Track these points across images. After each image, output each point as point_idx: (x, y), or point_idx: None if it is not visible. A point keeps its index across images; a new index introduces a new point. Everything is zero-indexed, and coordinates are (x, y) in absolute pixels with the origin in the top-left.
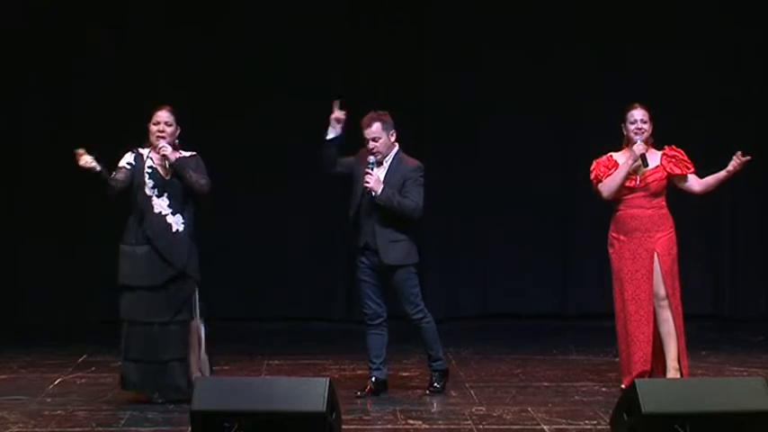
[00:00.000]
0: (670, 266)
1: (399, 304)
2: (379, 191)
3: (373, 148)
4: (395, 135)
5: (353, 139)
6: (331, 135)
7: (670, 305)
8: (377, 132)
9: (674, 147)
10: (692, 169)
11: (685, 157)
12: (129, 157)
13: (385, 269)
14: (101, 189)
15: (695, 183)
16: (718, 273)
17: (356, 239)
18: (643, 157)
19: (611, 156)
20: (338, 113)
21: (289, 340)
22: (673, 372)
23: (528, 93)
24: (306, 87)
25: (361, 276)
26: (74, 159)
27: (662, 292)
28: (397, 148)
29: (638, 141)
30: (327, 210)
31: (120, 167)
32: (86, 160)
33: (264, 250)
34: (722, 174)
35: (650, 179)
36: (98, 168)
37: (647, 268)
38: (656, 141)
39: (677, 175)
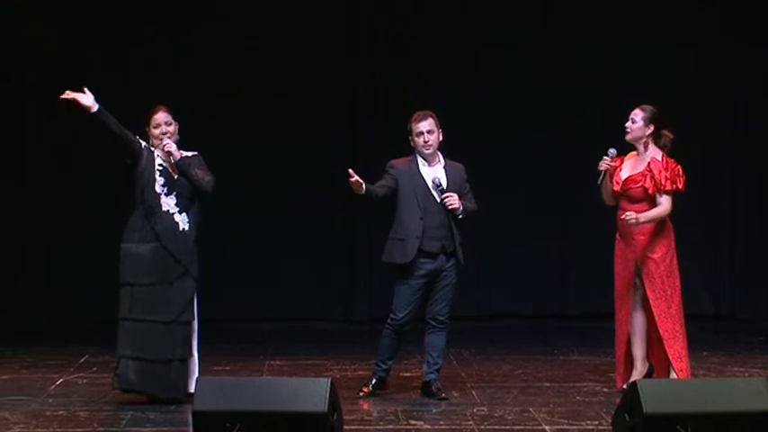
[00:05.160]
0: (652, 269)
1: (433, 305)
2: (461, 208)
3: (428, 141)
4: (442, 135)
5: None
6: (363, 191)
7: (649, 308)
8: (430, 126)
9: (668, 159)
10: (663, 189)
11: (664, 175)
12: (141, 142)
13: (448, 271)
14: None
15: (659, 203)
16: (718, 273)
17: (420, 245)
18: (603, 173)
19: (623, 157)
20: (354, 180)
21: (290, 341)
22: (635, 374)
23: (531, 91)
24: (306, 87)
25: (412, 282)
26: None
27: (639, 294)
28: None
29: (608, 154)
30: (330, 210)
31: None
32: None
33: (266, 250)
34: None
35: (631, 185)
36: (94, 109)
37: (630, 270)
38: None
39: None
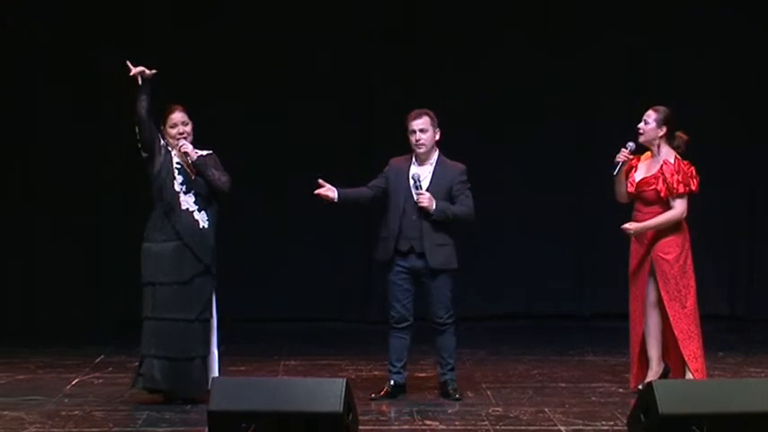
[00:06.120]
0: (666, 270)
1: (429, 307)
2: (434, 207)
3: (419, 140)
4: (439, 134)
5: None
6: (336, 200)
7: (663, 308)
8: (424, 124)
9: (681, 161)
10: (676, 192)
11: (676, 178)
12: (161, 139)
13: (424, 273)
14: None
15: (672, 206)
16: (734, 274)
17: (396, 243)
18: (620, 163)
19: (639, 157)
20: (322, 191)
21: (305, 341)
22: (651, 374)
23: (540, 90)
24: (308, 87)
25: (394, 279)
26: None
27: (653, 294)
28: (437, 150)
29: (627, 147)
30: (343, 210)
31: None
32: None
33: (280, 250)
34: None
35: (644, 187)
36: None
37: (644, 270)
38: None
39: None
